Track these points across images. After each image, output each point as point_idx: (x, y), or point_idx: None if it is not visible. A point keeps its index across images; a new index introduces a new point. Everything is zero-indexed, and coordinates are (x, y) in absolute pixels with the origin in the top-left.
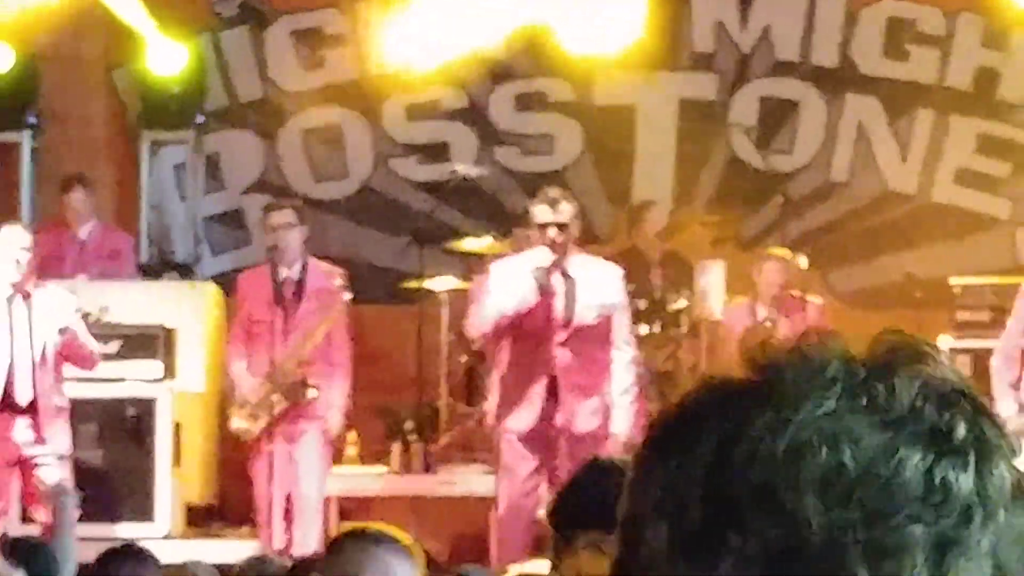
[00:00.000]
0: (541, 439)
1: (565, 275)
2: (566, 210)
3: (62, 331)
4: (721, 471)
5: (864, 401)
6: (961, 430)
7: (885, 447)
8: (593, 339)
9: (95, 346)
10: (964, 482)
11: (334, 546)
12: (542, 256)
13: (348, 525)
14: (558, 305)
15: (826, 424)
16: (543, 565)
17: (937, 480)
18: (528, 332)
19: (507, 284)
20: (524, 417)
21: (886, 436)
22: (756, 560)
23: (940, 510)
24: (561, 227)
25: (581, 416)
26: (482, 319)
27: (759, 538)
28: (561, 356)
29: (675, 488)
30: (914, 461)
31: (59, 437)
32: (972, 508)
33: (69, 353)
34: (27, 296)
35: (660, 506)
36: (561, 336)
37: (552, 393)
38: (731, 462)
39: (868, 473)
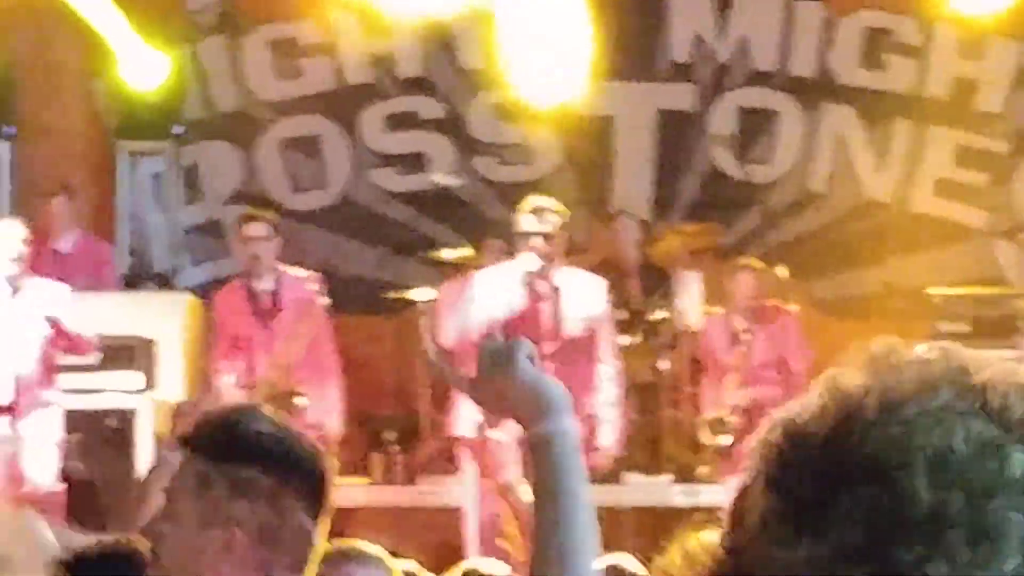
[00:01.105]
0: (520, 451)
1: (551, 286)
2: (552, 220)
3: (51, 321)
4: (835, 448)
5: (976, 403)
6: None
7: (994, 441)
8: (579, 352)
9: (87, 333)
10: None
11: None
12: (530, 262)
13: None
14: (546, 315)
15: (939, 413)
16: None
17: None
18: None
19: (493, 291)
20: (510, 427)
21: (996, 432)
22: (860, 524)
23: None
24: (547, 237)
25: None
26: (467, 326)
27: (867, 505)
28: (548, 368)
29: (786, 465)
30: (1021, 458)
31: (44, 429)
32: None
33: (61, 341)
34: (16, 290)
35: (770, 480)
36: (549, 348)
37: None
38: (846, 441)
39: (976, 459)
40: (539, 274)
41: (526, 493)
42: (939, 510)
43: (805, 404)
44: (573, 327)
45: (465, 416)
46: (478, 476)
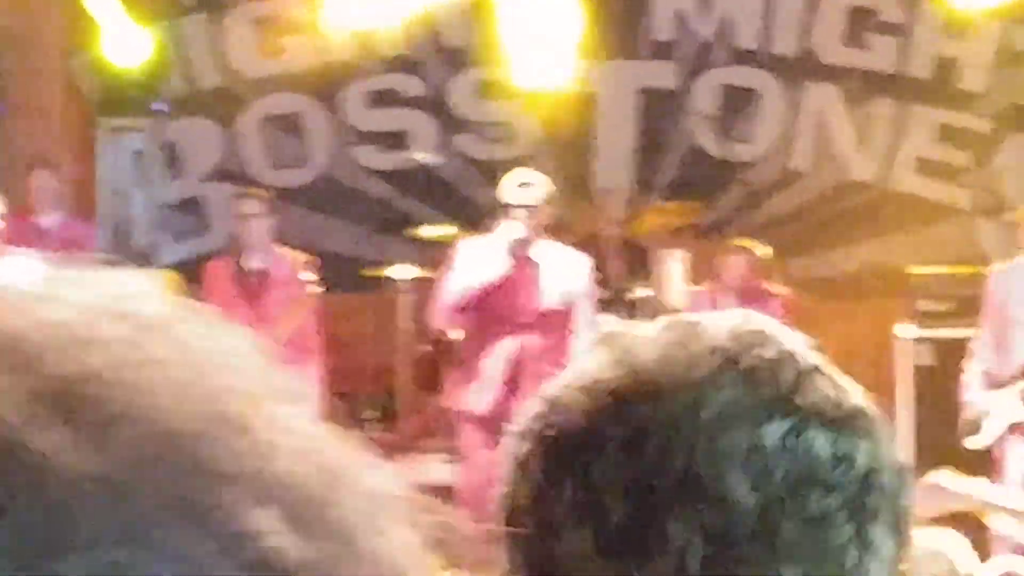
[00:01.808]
0: (498, 425)
1: (533, 257)
2: (536, 193)
3: None
4: (637, 466)
5: (754, 384)
6: (849, 403)
7: (791, 427)
8: (557, 326)
9: None
10: (862, 454)
11: None
12: (514, 229)
13: None
14: (526, 284)
15: (732, 408)
16: None
17: (840, 453)
18: (494, 316)
19: (477, 260)
20: (483, 401)
21: (791, 419)
22: (695, 547)
23: (848, 480)
24: (530, 209)
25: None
26: (450, 294)
27: (694, 524)
28: (526, 341)
29: (590, 490)
30: (820, 439)
31: None
32: (871, 475)
33: None
34: None
35: (576, 511)
36: (527, 319)
37: (512, 378)
38: (646, 455)
39: (784, 448)
40: (522, 243)
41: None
42: (766, 511)
43: (579, 419)
44: (553, 300)
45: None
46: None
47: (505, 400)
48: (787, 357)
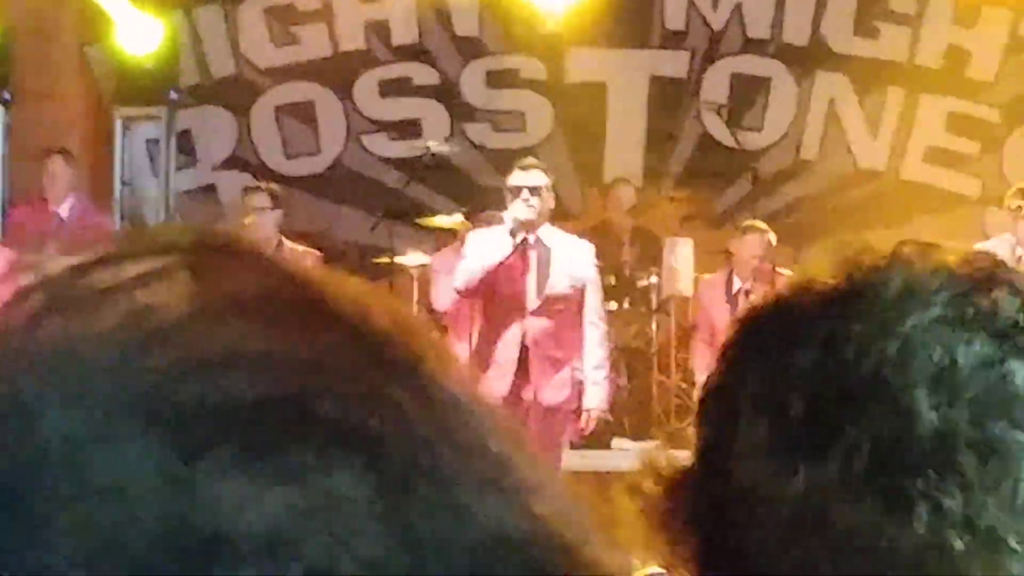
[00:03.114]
0: (512, 411)
1: (539, 243)
2: (540, 177)
3: None
4: (828, 367)
5: (971, 312)
6: None
7: (994, 354)
8: (564, 312)
9: None
10: None
11: None
12: (520, 210)
13: None
14: (531, 268)
15: (937, 327)
16: None
17: None
18: (501, 300)
19: (484, 248)
20: (495, 387)
21: (995, 345)
22: (864, 451)
23: None
24: (534, 191)
25: (549, 389)
26: (456, 280)
27: (870, 430)
28: (533, 326)
29: (776, 382)
30: (1022, 373)
31: None
32: None
33: None
34: None
35: (759, 401)
36: (534, 304)
37: (522, 364)
38: (840, 358)
39: (978, 375)
40: (527, 226)
41: None
42: (944, 430)
43: (784, 308)
44: (559, 285)
45: None
46: None
47: (517, 386)
48: (1012, 291)
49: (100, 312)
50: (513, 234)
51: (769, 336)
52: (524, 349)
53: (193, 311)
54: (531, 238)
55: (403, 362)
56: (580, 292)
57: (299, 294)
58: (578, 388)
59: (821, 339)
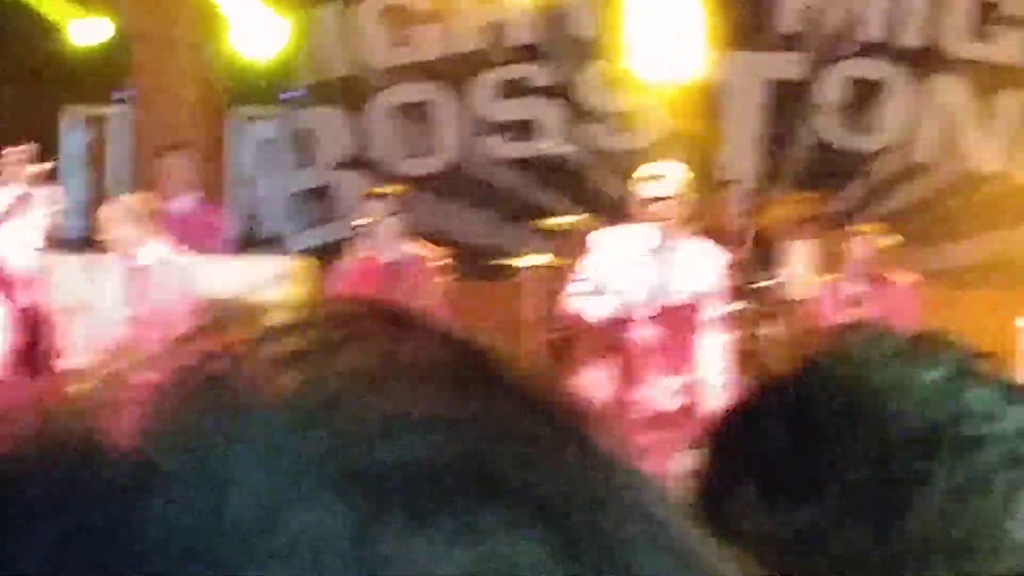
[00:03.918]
0: (617, 411)
1: (666, 253)
2: (671, 185)
3: None
4: (802, 422)
5: (929, 354)
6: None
7: (956, 372)
8: (684, 319)
9: None
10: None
11: None
12: (650, 235)
13: None
14: (655, 280)
15: (899, 356)
16: None
17: (1000, 410)
18: (619, 301)
19: (612, 252)
20: (600, 391)
21: (955, 364)
22: (857, 477)
23: (1006, 435)
24: (665, 201)
25: (661, 394)
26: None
27: (854, 455)
28: (645, 333)
29: (756, 444)
30: (984, 393)
31: None
32: None
33: None
34: None
35: (748, 458)
36: (649, 313)
37: (629, 371)
38: (813, 416)
39: (951, 386)
40: (662, 244)
41: None
42: (923, 450)
43: (763, 388)
44: (681, 295)
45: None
46: None
47: (622, 392)
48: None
49: (284, 378)
50: (650, 254)
51: (751, 411)
52: (634, 357)
53: (371, 377)
54: (661, 255)
55: (570, 426)
56: (704, 299)
57: (469, 361)
58: (695, 394)
59: (791, 402)
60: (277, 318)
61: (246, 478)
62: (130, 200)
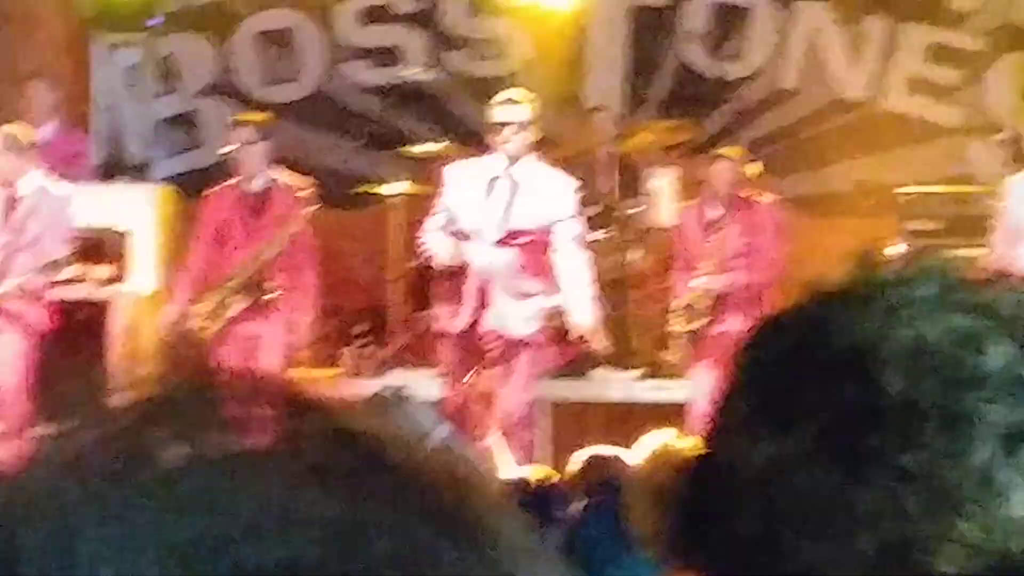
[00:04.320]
0: (473, 342)
1: (512, 179)
2: (522, 111)
3: None
4: (810, 342)
5: (953, 295)
6: None
7: (976, 333)
8: (536, 245)
9: None
10: None
11: None
12: (496, 162)
13: None
14: (500, 207)
15: (921, 304)
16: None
17: (1018, 373)
18: (466, 233)
19: (462, 186)
20: (457, 321)
21: (977, 323)
22: (827, 416)
23: (1018, 401)
24: (518, 128)
25: (514, 320)
26: (433, 230)
27: (835, 396)
28: (497, 258)
29: (764, 361)
30: (999, 350)
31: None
32: None
33: None
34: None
35: (748, 380)
36: (498, 237)
37: (483, 298)
38: (822, 334)
39: (954, 351)
40: (506, 169)
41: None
42: (912, 399)
43: (782, 316)
44: (530, 221)
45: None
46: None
47: (477, 322)
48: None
49: (164, 456)
50: (491, 180)
51: (766, 337)
52: (487, 283)
53: (250, 466)
54: (504, 181)
55: (449, 513)
56: (555, 224)
57: (352, 450)
58: (555, 319)
59: (804, 325)
60: (166, 388)
61: (99, 563)
62: (8, 130)
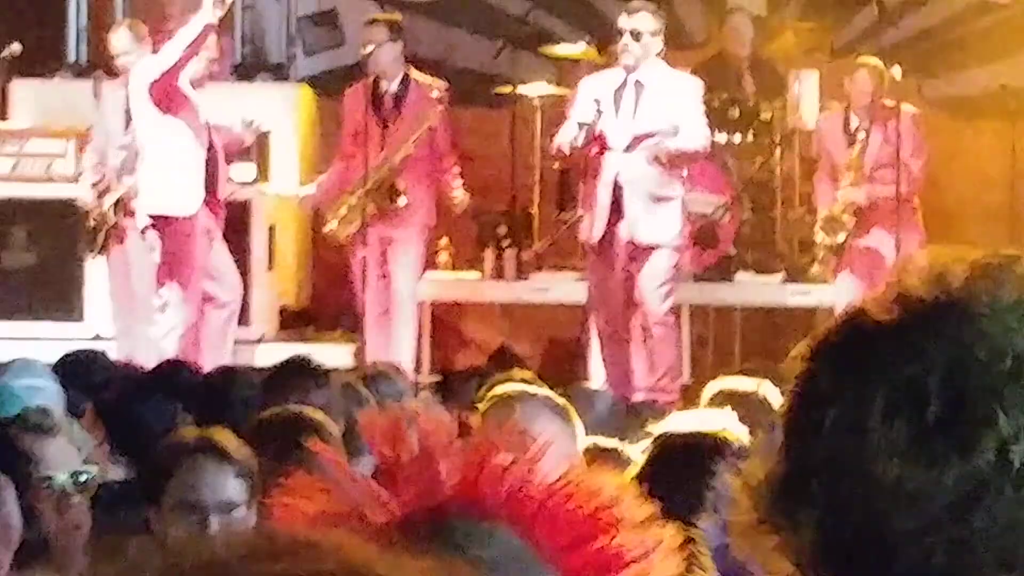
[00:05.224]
0: (612, 248)
1: (637, 84)
2: (644, 20)
3: None
4: (965, 368)
5: None
6: None
7: None
8: (659, 150)
9: None
10: None
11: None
12: (623, 70)
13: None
14: (628, 114)
15: None
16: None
17: None
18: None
19: (590, 102)
20: (594, 227)
21: None
22: (1020, 440)
23: None
24: (636, 35)
25: (650, 226)
26: (562, 140)
27: (1019, 420)
28: (626, 164)
29: (910, 388)
30: None
31: None
32: None
33: None
34: None
35: (893, 405)
36: (626, 143)
37: (617, 203)
38: (975, 359)
39: None
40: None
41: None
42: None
43: (894, 325)
44: (654, 125)
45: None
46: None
47: (612, 225)
48: None
49: None
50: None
51: (879, 350)
52: (618, 188)
53: None
54: (629, 89)
55: None
56: (680, 129)
57: None
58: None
59: (946, 347)
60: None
61: None
62: (131, 23)
